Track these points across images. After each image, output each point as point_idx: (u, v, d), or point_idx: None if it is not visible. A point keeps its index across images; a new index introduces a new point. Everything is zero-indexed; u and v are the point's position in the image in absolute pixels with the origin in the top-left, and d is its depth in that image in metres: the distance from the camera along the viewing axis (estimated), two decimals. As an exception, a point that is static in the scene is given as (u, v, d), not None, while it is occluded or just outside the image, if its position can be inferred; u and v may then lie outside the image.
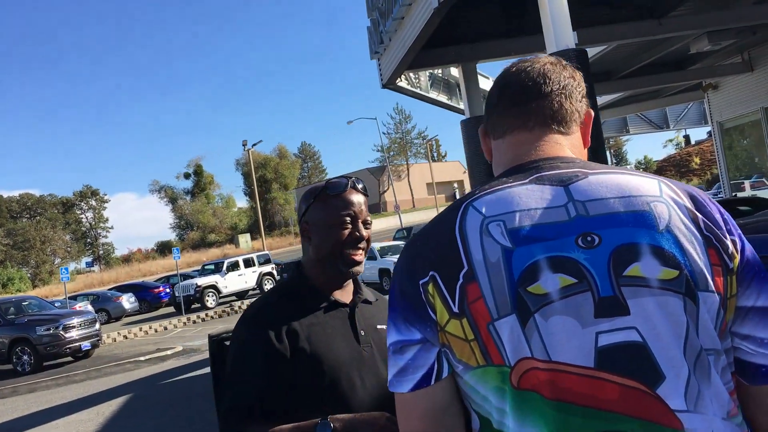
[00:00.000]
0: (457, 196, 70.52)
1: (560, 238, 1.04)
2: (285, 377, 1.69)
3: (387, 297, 2.05)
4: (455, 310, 1.05)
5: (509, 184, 1.13)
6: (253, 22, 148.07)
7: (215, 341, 2.18)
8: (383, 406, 1.70)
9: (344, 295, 1.86)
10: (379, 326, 1.86)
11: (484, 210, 1.09)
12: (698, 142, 39.52)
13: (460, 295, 1.04)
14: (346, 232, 1.80)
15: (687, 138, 42.85)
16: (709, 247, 1.07)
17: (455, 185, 75.59)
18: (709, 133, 28.90)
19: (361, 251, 1.83)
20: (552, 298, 1.02)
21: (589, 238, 1.04)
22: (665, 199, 1.09)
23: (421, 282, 1.08)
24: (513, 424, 1.03)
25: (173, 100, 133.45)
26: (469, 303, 1.04)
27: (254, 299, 1.93)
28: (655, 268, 1.03)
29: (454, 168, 78.08)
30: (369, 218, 1.87)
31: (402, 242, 27.77)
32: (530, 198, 1.09)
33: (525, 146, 1.20)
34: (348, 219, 1.80)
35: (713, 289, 1.05)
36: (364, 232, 1.82)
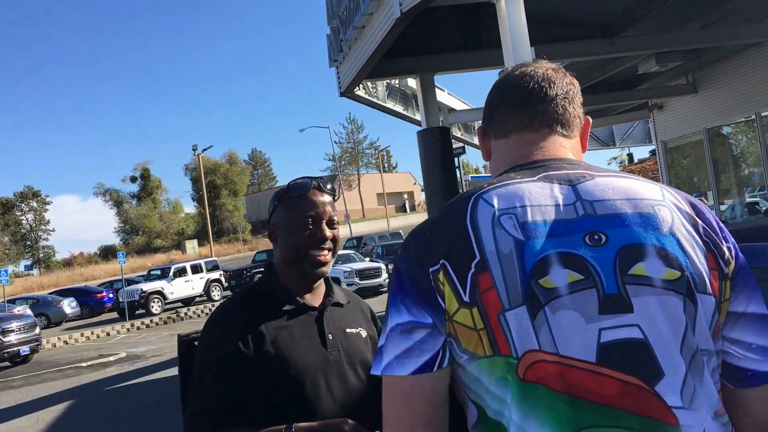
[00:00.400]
0: (407, 207, 70.20)
1: (569, 235, 1.08)
2: (250, 381, 1.67)
3: (360, 298, 2.05)
4: (465, 299, 1.06)
5: (518, 180, 1.16)
6: (206, 26, 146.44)
7: (184, 342, 2.15)
8: (348, 410, 1.70)
9: (314, 297, 1.84)
10: (348, 330, 1.84)
11: (495, 203, 1.11)
12: (641, 161, 40.66)
13: (472, 285, 1.05)
14: (309, 233, 1.78)
15: (630, 156, 44.03)
16: (707, 252, 1.11)
17: (405, 196, 76.02)
18: (652, 151, 29.77)
19: (326, 252, 1.81)
20: (560, 293, 1.04)
21: (596, 237, 1.07)
22: (668, 204, 1.14)
23: (431, 270, 1.08)
24: (516, 416, 1.04)
25: (121, 102, 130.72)
26: (481, 292, 1.05)
27: (222, 300, 1.92)
28: (659, 269, 1.07)
29: (405, 179, 78.48)
30: (335, 218, 1.85)
31: (352, 251, 27.74)
32: (540, 195, 1.12)
33: (530, 146, 1.24)
34: (310, 220, 1.78)
35: (711, 291, 1.10)
36: (328, 233, 1.80)
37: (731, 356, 1.15)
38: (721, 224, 1.18)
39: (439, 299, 1.08)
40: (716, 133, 16.60)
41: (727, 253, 1.14)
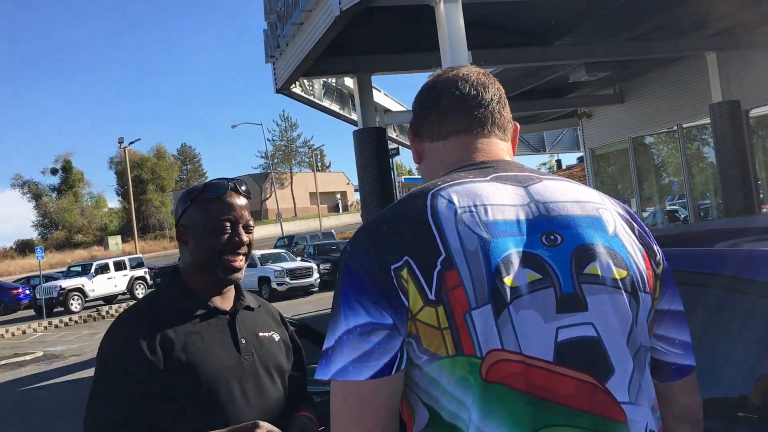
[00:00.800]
0: (340, 207, 69.84)
1: (527, 235, 1.08)
2: (159, 391, 1.57)
3: (268, 302, 1.93)
4: (431, 297, 1.02)
5: (471, 180, 1.14)
6: (136, 13, 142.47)
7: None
8: (265, 417, 1.63)
9: (224, 301, 1.75)
10: (261, 334, 1.76)
11: (455, 200, 1.09)
12: (569, 167, 41.93)
13: (438, 282, 1.03)
14: (225, 237, 1.69)
15: (559, 162, 45.37)
16: (644, 253, 1.17)
17: (338, 196, 75.93)
18: (579, 158, 30.73)
19: (241, 257, 1.73)
20: (522, 292, 1.04)
21: (552, 237, 1.09)
22: (609, 208, 1.18)
23: (393, 267, 1.04)
24: (476, 417, 1.02)
25: (42, 91, 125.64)
26: (447, 290, 1.02)
27: (128, 305, 1.80)
28: (610, 268, 1.10)
29: (338, 179, 78.40)
30: (251, 222, 1.77)
31: (283, 250, 27.47)
32: (497, 194, 1.12)
33: (471, 148, 1.24)
34: (227, 224, 1.70)
35: (648, 290, 1.15)
36: (245, 237, 1.72)
37: (657, 352, 1.20)
38: (648, 229, 1.25)
39: (402, 297, 1.03)
40: (640, 142, 17.27)
41: (658, 254, 1.21)
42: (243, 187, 1.78)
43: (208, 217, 1.70)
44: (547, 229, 1.09)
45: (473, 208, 1.09)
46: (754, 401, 1.76)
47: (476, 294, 1.03)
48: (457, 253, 1.04)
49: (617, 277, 1.10)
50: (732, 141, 12.14)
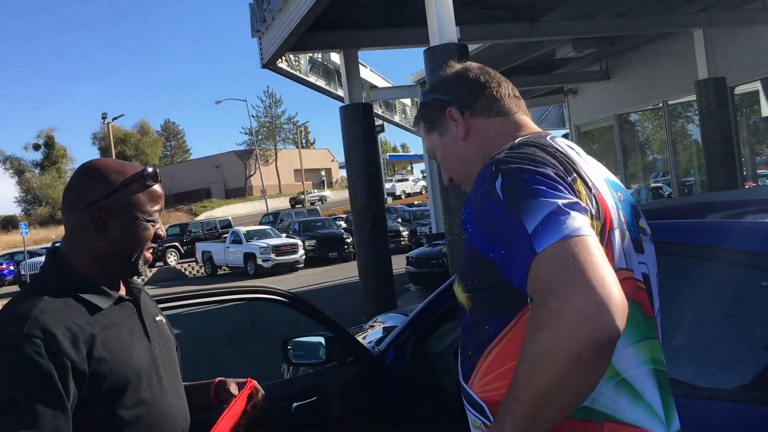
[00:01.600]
0: (325, 183, 68.93)
1: (608, 188, 1.31)
2: (84, 399, 1.40)
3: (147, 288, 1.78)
4: (594, 213, 1.20)
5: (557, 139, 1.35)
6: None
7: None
8: (180, 403, 1.61)
9: (120, 287, 1.62)
10: (157, 318, 1.68)
11: (571, 145, 1.32)
12: (554, 144, 41.99)
13: (596, 202, 1.22)
14: (156, 228, 1.59)
15: (544, 139, 45.35)
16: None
17: (323, 173, 75.68)
18: (564, 135, 30.79)
19: (153, 247, 1.62)
20: (628, 226, 1.30)
21: (618, 194, 1.33)
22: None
23: (569, 179, 1.20)
24: None
25: (24, 66, 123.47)
26: (602, 209, 1.22)
27: (16, 294, 1.53)
28: (646, 224, 1.41)
29: (322, 156, 78.09)
30: None
31: (269, 227, 27.32)
32: (579, 154, 1.33)
33: (528, 125, 1.45)
34: (157, 214, 1.59)
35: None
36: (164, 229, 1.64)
37: None
38: None
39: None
40: (625, 119, 17.32)
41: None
42: None
43: (147, 205, 1.56)
44: (613, 188, 1.33)
45: (581, 156, 1.31)
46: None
47: (613, 218, 1.24)
48: (597, 183, 1.26)
49: (650, 232, 1.40)
50: (717, 118, 12.20)
